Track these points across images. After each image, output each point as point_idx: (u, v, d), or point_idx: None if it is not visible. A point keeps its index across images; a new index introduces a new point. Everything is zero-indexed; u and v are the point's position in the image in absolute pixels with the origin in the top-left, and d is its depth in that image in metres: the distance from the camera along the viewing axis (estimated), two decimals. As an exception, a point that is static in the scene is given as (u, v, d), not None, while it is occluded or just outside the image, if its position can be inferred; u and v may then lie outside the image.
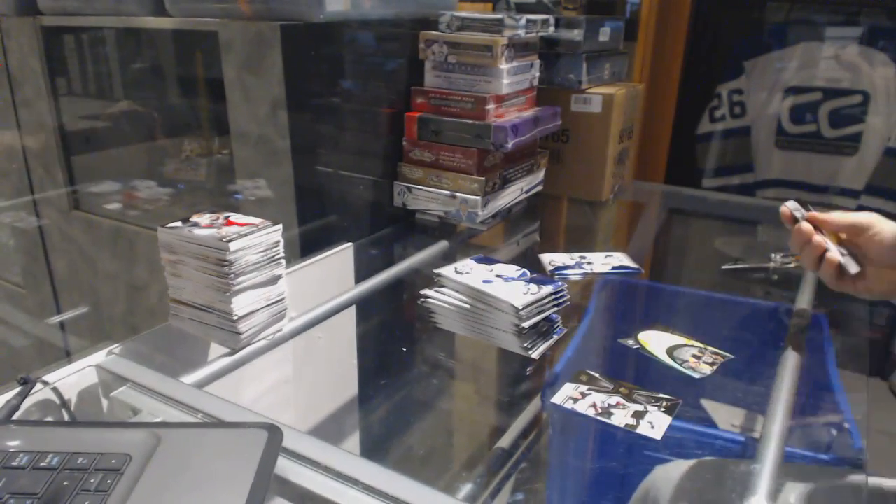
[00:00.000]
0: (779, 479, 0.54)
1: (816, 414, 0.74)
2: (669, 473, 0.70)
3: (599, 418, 0.66)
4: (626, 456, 0.76)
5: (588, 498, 0.83)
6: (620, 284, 1.02)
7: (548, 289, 0.80)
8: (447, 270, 0.86)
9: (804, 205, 0.75)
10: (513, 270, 0.86)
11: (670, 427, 0.64)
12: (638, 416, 0.66)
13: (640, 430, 0.64)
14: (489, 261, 0.90)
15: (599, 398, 0.69)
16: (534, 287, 0.80)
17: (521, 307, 0.76)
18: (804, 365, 0.71)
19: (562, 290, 0.81)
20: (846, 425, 0.65)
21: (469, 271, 0.86)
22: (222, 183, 1.17)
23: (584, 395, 0.69)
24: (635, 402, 0.68)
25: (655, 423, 0.64)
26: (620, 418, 0.66)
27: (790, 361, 0.71)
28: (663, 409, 0.67)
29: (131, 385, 0.63)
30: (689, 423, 0.66)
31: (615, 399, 0.69)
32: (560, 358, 0.78)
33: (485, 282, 0.82)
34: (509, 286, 0.81)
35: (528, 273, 0.85)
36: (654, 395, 0.69)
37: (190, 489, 0.44)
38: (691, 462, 0.69)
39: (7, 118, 1.33)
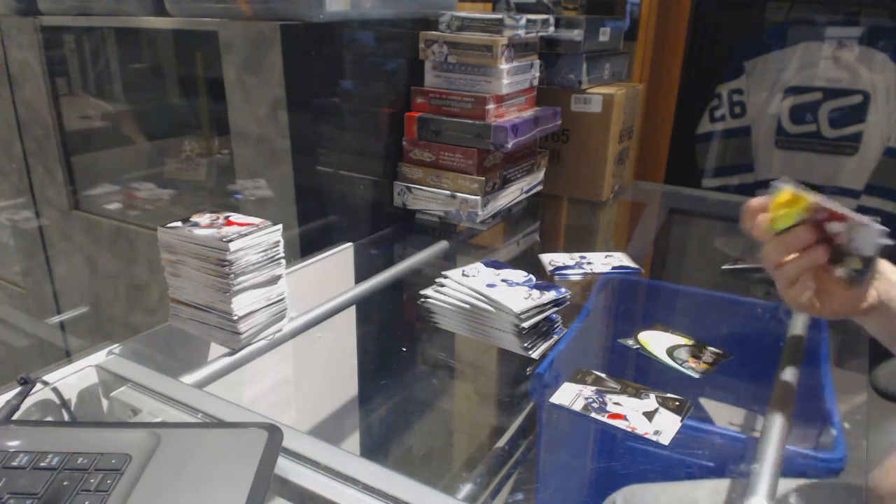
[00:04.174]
0: (779, 479, 0.54)
1: (808, 414, 0.74)
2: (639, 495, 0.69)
3: (610, 422, 0.65)
4: (625, 455, 0.76)
5: (585, 498, 0.83)
6: (620, 284, 1.02)
7: (550, 295, 0.80)
8: (454, 273, 0.86)
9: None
10: (519, 276, 0.86)
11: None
12: (649, 416, 0.66)
13: (647, 436, 0.63)
14: (497, 265, 0.90)
15: (605, 398, 0.69)
16: (536, 293, 0.80)
17: (518, 312, 0.76)
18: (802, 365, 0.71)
19: (564, 298, 0.81)
20: (833, 431, 0.65)
21: (476, 274, 0.86)
22: (222, 183, 1.17)
23: (588, 397, 0.69)
24: (644, 401, 0.68)
25: (663, 428, 0.64)
26: (632, 419, 0.65)
27: (790, 361, 0.71)
28: (672, 410, 0.67)
29: (131, 385, 0.63)
30: (689, 420, 0.66)
31: (623, 399, 0.69)
32: (550, 352, 0.78)
33: (489, 285, 0.82)
34: (512, 291, 0.81)
35: (535, 279, 0.85)
36: (661, 394, 0.69)
37: (190, 489, 0.44)
38: (663, 485, 0.68)
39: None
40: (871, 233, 0.57)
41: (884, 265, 0.61)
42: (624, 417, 0.66)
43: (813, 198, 0.59)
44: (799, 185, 0.61)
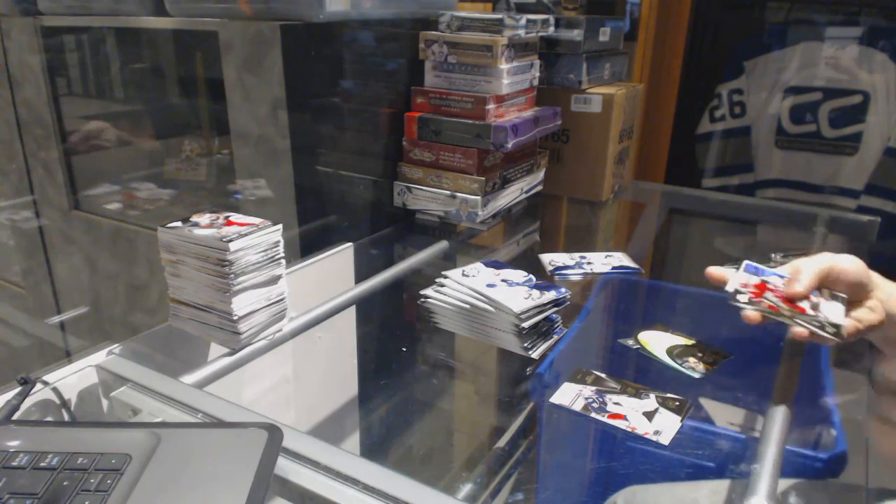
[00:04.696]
0: (779, 479, 0.54)
1: (808, 414, 0.74)
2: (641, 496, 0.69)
3: (610, 422, 0.65)
4: (625, 455, 0.76)
5: (585, 498, 0.83)
6: (620, 284, 1.02)
7: (550, 295, 0.80)
8: (454, 273, 0.86)
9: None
10: (519, 276, 0.86)
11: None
12: (649, 416, 0.66)
13: (647, 436, 0.63)
14: (497, 265, 0.90)
15: (605, 398, 0.69)
16: (536, 293, 0.80)
17: (518, 312, 0.76)
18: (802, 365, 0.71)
19: (564, 298, 0.81)
20: (833, 431, 0.65)
21: (476, 274, 0.86)
22: (222, 183, 1.17)
23: (588, 397, 0.69)
24: (644, 401, 0.68)
25: (663, 428, 0.64)
26: (632, 419, 0.65)
27: (790, 361, 0.71)
28: (672, 409, 0.67)
29: (131, 385, 0.63)
30: (689, 420, 0.66)
31: (623, 399, 0.69)
32: (550, 352, 0.78)
33: (489, 285, 0.82)
34: (512, 291, 0.81)
35: (535, 279, 0.85)
36: (661, 394, 0.69)
37: (190, 489, 0.44)
38: (665, 486, 0.68)
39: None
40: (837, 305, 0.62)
41: (877, 278, 0.63)
42: (624, 417, 0.66)
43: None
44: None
